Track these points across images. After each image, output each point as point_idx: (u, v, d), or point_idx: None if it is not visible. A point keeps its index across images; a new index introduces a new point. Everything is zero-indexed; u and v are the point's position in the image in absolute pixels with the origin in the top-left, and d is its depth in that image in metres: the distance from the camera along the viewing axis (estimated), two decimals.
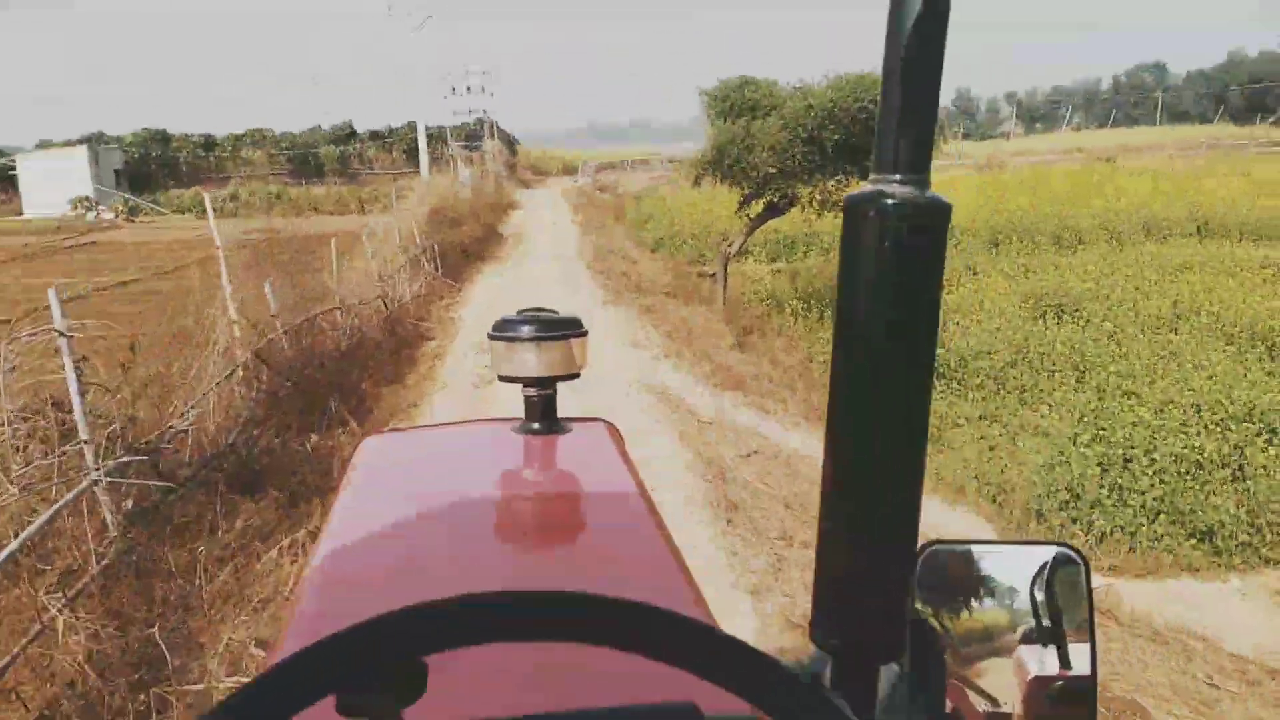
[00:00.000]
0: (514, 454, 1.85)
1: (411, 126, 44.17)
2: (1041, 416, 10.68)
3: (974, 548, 0.92)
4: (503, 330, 1.81)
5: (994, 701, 0.86)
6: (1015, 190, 28.28)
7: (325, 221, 32.71)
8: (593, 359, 2.01)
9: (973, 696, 0.86)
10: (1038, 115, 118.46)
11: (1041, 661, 0.85)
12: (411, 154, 39.96)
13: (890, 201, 0.74)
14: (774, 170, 13.18)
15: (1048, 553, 0.89)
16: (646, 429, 7.42)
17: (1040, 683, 0.85)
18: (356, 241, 15.29)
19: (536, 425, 1.86)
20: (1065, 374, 11.75)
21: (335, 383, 7.70)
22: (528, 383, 1.83)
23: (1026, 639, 0.86)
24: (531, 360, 1.79)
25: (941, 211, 0.76)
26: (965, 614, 0.89)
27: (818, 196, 13.95)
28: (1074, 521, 8.36)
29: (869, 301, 0.78)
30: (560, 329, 1.81)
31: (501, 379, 1.84)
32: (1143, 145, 51.40)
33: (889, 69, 0.74)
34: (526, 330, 1.79)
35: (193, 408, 5.23)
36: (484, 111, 42.51)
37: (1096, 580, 7.25)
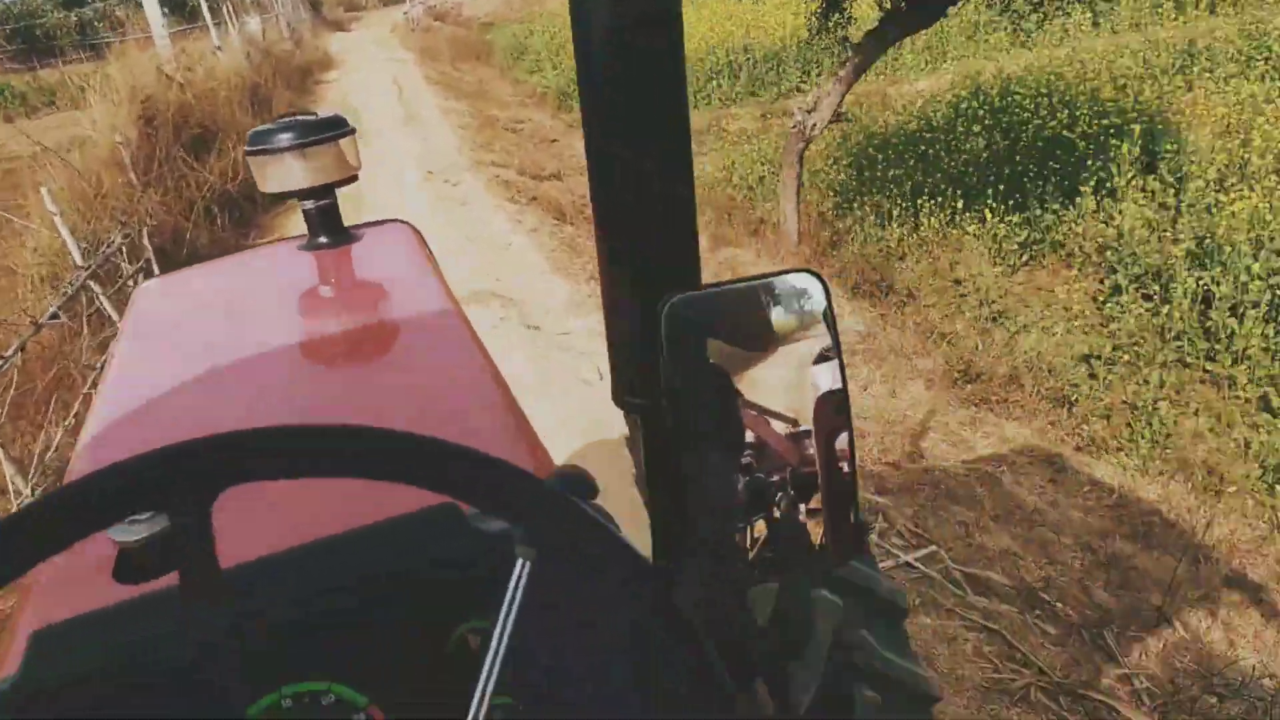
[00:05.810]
0: (302, 274, 1.70)
1: None
2: None
3: (720, 289, 0.91)
4: (260, 143, 1.65)
5: (792, 422, 0.89)
6: None
7: (50, 127, 22.50)
8: None
9: (773, 422, 0.89)
10: None
11: (826, 377, 0.88)
12: (179, 9, 28.74)
13: None
14: None
15: (795, 279, 0.89)
16: None
17: (827, 397, 0.88)
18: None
19: (323, 239, 1.74)
20: None
21: None
22: (302, 196, 1.68)
23: (818, 359, 0.89)
24: (299, 169, 1.64)
25: None
26: (744, 351, 0.89)
27: None
28: None
29: (607, 26, 0.77)
30: (324, 130, 1.66)
31: (272, 197, 1.71)
32: None
33: None
34: (286, 138, 1.62)
35: None
36: None
37: None
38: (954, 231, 7.76)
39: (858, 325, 5.82)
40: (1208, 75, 9.93)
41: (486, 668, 0.57)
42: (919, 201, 7.99)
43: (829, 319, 0.89)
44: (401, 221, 1.93)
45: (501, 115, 12.90)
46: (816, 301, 0.89)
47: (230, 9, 21.78)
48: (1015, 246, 7.37)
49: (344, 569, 0.70)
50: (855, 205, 8.23)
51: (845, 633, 1.37)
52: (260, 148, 1.66)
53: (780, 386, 0.89)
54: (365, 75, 15.94)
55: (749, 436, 0.88)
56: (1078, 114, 8.28)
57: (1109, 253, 6.65)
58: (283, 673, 0.67)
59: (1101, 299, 6.60)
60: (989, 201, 7.66)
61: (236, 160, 8.24)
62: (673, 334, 0.84)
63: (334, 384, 1.28)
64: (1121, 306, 6.25)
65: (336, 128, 1.69)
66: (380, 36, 25.50)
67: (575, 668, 0.72)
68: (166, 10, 33.45)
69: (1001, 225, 7.46)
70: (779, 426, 0.89)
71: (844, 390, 0.89)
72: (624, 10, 0.76)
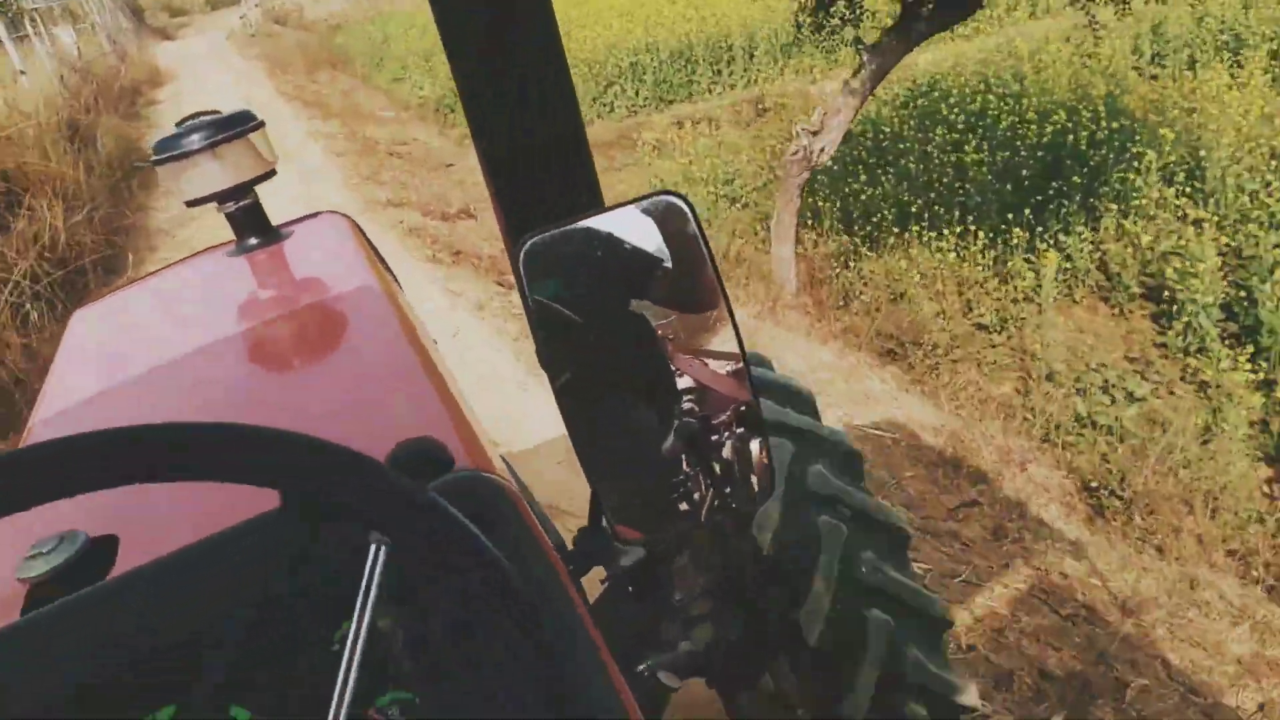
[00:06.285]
0: (233, 283, 1.67)
1: None
2: None
3: (581, 224, 0.84)
4: (166, 149, 1.56)
5: (733, 358, 0.85)
6: None
7: None
8: None
9: (711, 363, 0.85)
10: None
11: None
12: None
13: None
14: None
15: (657, 203, 0.84)
16: None
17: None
18: None
19: (253, 240, 1.69)
20: None
21: None
22: (222, 198, 1.61)
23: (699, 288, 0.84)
24: (214, 171, 1.58)
25: None
26: (621, 284, 0.84)
27: None
28: None
29: None
30: (233, 126, 1.57)
31: (190, 204, 1.62)
32: None
33: None
34: (196, 140, 1.55)
35: None
36: None
37: None
38: (962, 264, 6.53)
39: (928, 414, 4.46)
40: (1190, 65, 9.10)
41: (345, 660, 0.54)
42: (917, 229, 6.73)
43: (699, 238, 0.84)
44: (334, 213, 1.88)
45: (380, 136, 11.06)
46: (684, 222, 0.83)
47: (39, 20, 18.79)
48: (1042, 281, 6.18)
49: (202, 585, 0.65)
50: (846, 238, 6.90)
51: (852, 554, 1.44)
52: (169, 154, 1.56)
53: (714, 325, 0.82)
54: (207, 92, 13.70)
55: (687, 381, 0.82)
56: (1081, 116, 7.18)
57: (1180, 290, 5.52)
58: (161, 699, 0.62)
59: (1171, 344, 5.50)
60: (1010, 226, 6.46)
61: (54, 225, 6.23)
62: (535, 275, 0.78)
63: (266, 391, 1.22)
64: (1210, 358, 5.14)
65: (246, 122, 1.60)
66: (215, 45, 22.86)
67: (481, 657, 0.66)
68: None
69: (1023, 254, 6.27)
70: (719, 366, 0.83)
71: (734, 326, 0.83)
72: None
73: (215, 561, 0.66)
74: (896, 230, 6.79)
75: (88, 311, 1.78)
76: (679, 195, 0.85)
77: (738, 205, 9.00)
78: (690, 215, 0.83)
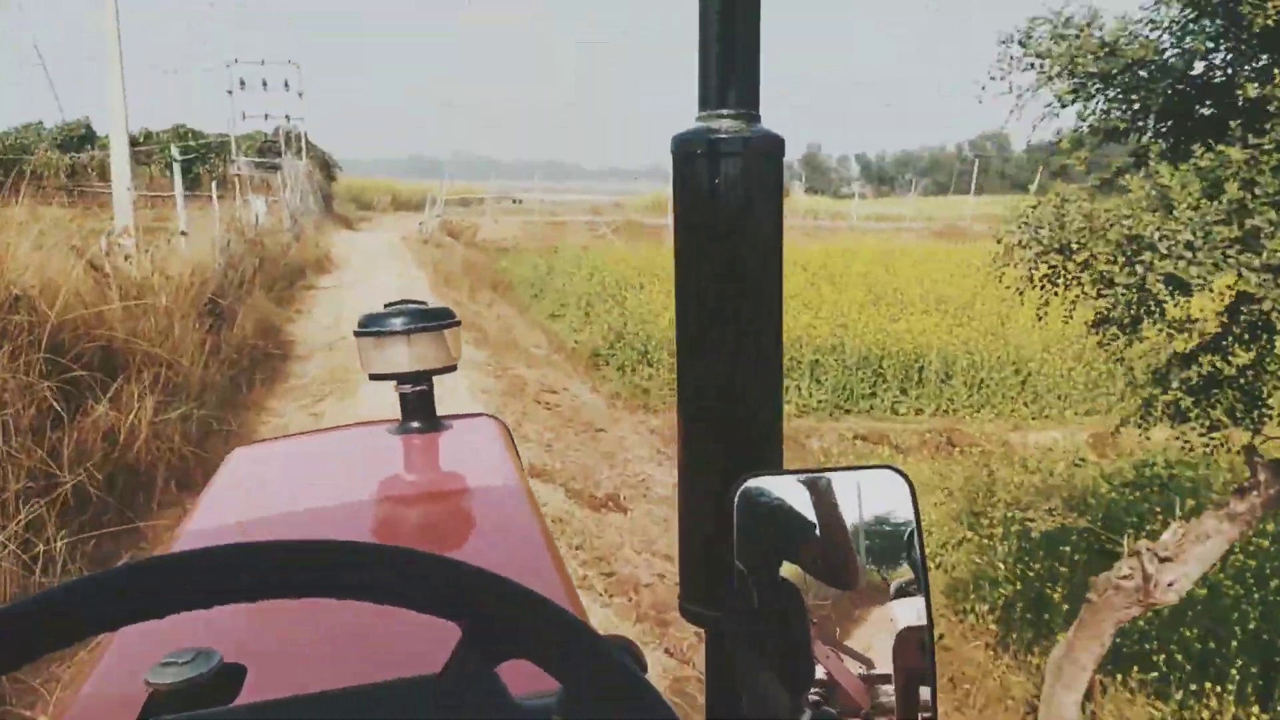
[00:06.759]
0: (389, 457, 1.76)
1: (180, 133, 31.20)
2: None
3: (798, 474, 0.79)
4: (370, 325, 1.72)
5: (867, 663, 0.76)
6: None
7: None
8: None
9: (846, 660, 0.77)
10: (885, 178, 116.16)
11: (908, 611, 0.74)
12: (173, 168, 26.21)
13: (719, 137, 0.75)
14: None
15: (878, 475, 0.78)
16: None
17: (907, 635, 0.75)
18: None
19: (415, 424, 1.77)
20: None
21: None
22: (401, 379, 1.72)
23: (902, 592, 0.75)
24: (404, 354, 1.70)
25: (774, 145, 0.77)
26: (806, 557, 0.79)
27: None
28: None
29: (708, 246, 0.78)
30: (432, 319, 1.73)
31: (373, 378, 1.75)
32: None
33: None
34: (397, 323, 1.70)
35: None
36: (287, 118, 30.04)
37: None
38: None
39: None
40: None
41: None
42: (1215, 690, 4.89)
43: (914, 524, 0.77)
44: (493, 417, 1.96)
45: (529, 376, 9.97)
46: (900, 503, 0.77)
47: (237, 185, 19.40)
48: None
49: None
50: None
51: None
52: (370, 329, 1.70)
53: (858, 618, 0.77)
54: (369, 290, 13.10)
55: (820, 672, 0.76)
56: None
57: None
58: None
59: None
60: None
61: (141, 414, 5.03)
62: (746, 521, 0.76)
63: None
64: None
65: (444, 318, 1.74)
66: (390, 244, 23.26)
67: None
68: (167, 168, 31.33)
69: None
70: (853, 665, 0.78)
71: (929, 626, 0.75)
72: (727, 210, 0.75)
73: (359, 712, 0.60)
74: (1192, 687, 4.96)
75: (246, 451, 1.83)
76: (898, 470, 0.75)
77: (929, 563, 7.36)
78: (910, 494, 0.74)
